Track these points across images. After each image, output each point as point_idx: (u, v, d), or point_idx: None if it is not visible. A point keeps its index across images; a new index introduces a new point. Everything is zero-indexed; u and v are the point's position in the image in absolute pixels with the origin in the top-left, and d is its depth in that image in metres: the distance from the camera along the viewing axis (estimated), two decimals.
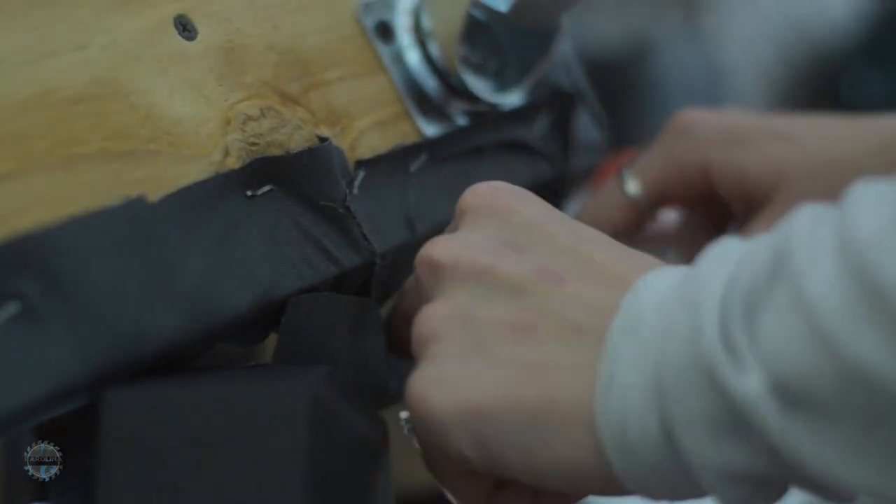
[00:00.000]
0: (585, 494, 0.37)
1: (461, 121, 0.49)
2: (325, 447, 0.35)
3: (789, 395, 0.31)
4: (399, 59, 0.48)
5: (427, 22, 0.48)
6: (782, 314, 0.31)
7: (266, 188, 0.41)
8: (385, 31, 0.48)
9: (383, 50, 0.47)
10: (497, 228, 0.38)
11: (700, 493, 0.34)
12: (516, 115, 0.49)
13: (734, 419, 0.32)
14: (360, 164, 0.43)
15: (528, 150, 0.50)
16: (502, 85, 0.50)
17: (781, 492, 0.34)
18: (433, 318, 0.37)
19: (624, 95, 1.40)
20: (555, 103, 0.51)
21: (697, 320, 0.33)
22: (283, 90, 0.43)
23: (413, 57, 0.48)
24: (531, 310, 0.36)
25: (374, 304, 0.43)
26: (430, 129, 0.47)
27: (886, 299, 0.30)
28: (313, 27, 0.46)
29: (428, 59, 0.48)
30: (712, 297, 0.33)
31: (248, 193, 0.40)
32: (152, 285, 0.36)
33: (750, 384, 0.32)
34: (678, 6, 1.57)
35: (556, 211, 0.39)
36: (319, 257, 0.41)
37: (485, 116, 0.49)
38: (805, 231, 0.32)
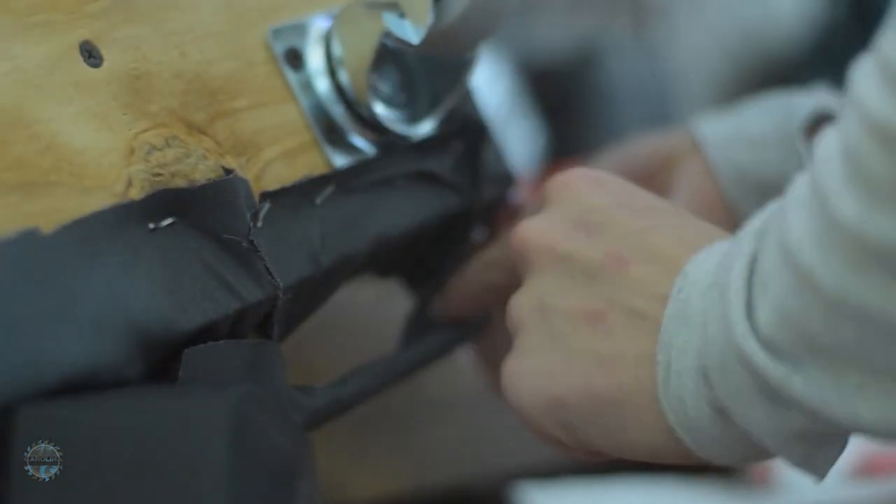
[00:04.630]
0: (671, 462, 0.40)
1: (370, 151, 0.48)
2: (245, 462, 0.35)
3: (800, 345, 0.34)
4: (309, 87, 0.47)
5: (338, 50, 0.47)
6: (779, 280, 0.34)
7: (168, 220, 0.40)
8: (295, 59, 0.47)
9: (292, 77, 0.47)
10: (572, 210, 0.42)
11: (771, 454, 0.37)
12: (426, 145, 0.49)
13: (769, 389, 0.35)
14: (266, 196, 0.43)
15: (437, 180, 0.49)
16: (413, 115, 0.50)
17: (843, 443, 0.37)
18: (522, 308, 0.42)
19: (571, 104, 1.39)
20: (465, 134, 0.50)
21: (726, 302, 0.35)
22: (190, 119, 0.43)
23: (323, 85, 0.47)
24: (601, 298, 0.40)
25: (273, 341, 0.43)
26: (339, 160, 0.47)
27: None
28: (221, 54, 0.45)
29: (338, 87, 0.47)
30: (737, 277, 0.35)
31: (151, 226, 0.40)
32: (52, 313, 0.36)
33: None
34: (626, 14, 1.57)
35: (634, 190, 0.43)
36: (221, 292, 0.40)
37: (394, 147, 0.48)
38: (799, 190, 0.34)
